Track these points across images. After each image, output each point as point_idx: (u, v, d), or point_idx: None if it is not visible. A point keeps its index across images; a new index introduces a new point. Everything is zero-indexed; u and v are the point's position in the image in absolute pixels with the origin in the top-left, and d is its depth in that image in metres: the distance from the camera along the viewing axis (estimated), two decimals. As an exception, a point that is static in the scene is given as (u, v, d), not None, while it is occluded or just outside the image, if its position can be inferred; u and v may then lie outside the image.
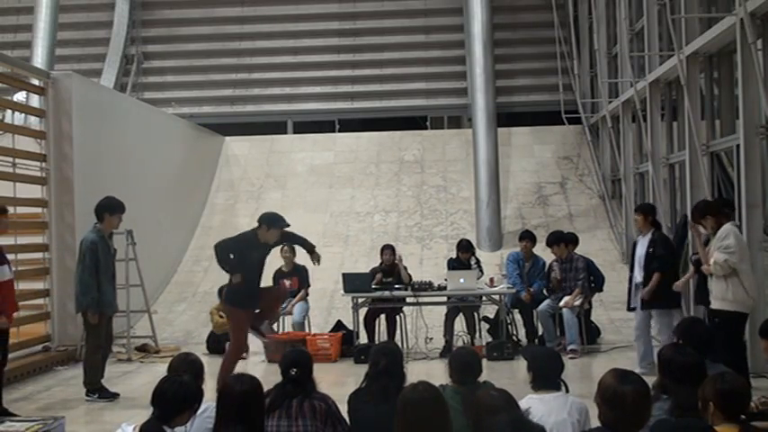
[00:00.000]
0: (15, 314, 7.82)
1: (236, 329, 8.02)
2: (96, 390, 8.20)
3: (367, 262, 12.99)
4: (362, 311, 10.40)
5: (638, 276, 8.85)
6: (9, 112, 12.24)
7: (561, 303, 10.21)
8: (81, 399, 8.21)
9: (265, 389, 4.29)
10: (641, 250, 8.87)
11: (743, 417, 3.61)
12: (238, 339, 8.02)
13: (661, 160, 11.92)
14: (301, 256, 9.41)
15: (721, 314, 7.52)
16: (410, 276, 10.69)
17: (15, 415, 7.13)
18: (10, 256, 7.80)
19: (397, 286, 10.40)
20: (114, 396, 8.21)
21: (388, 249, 10.96)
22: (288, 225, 8.06)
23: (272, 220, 7.96)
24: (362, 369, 5.09)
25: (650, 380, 3.87)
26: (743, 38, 8.37)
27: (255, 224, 7.99)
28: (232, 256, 7.89)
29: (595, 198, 15.60)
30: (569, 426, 4.23)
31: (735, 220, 8.12)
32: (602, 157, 16.08)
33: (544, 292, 10.65)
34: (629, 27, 13.40)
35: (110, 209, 8.40)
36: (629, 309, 9.22)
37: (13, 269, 7.83)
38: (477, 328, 10.67)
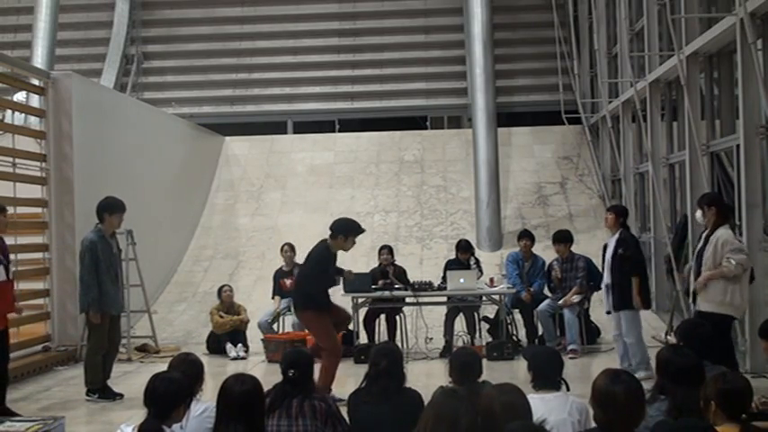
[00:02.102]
0: (15, 315, 7.83)
1: (325, 333, 7.99)
2: (97, 390, 8.20)
3: (367, 262, 12.98)
4: (362, 311, 10.40)
5: (607, 278, 8.72)
6: (9, 112, 12.24)
7: (560, 302, 10.22)
8: (81, 399, 8.21)
9: (265, 389, 4.29)
10: (610, 251, 8.74)
11: (744, 416, 3.61)
12: (331, 341, 7.98)
13: (661, 160, 11.92)
14: (302, 256, 9.38)
15: (712, 317, 7.37)
16: (402, 270, 10.77)
17: (18, 414, 7.12)
18: (10, 256, 7.79)
19: (396, 286, 10.41)
20: (118, 396, 8.20)
21: (384, 250, 10.98)
22: (364, 230, 8.19)
23: (349, 228, 8.03)
24: (362, 369, 5.09)
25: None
26: (743, 38, 8.37)
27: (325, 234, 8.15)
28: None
29: (595, 198, 15.60)
30: (569, 425, 4.24)
31: (733, 224, 8.06)
32: (602, 157, 16.07)
33: (546, 291, 10.66)
34: (629, 27, 13.39)
35: (109, 209, 8.40)
36: (608, 312, 9.17)
37: (13, 269, 7.81)
38: (477, 328, 10.67)
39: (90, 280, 8.15)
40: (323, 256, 8.01)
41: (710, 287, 7.38)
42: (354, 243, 8.13)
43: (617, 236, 8.71)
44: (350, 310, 10.27)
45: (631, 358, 8.55)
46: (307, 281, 8.10)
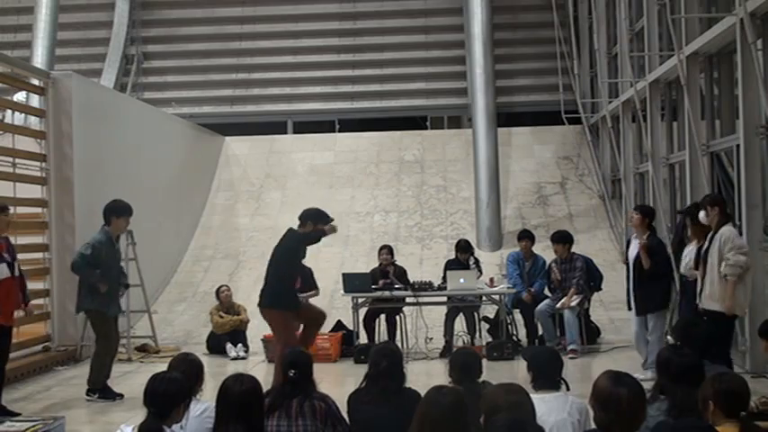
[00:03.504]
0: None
1: (285, 332, 8.10)
2: (97, 390, 8.20)
3: (367, 262, 12.99)
4: (362, 311, 10.40)
5: (631, 282, 8.76)
6: (9, 112, 12.25)
7: (558, 306, 10.21)
8: (81, 399, 8.21)
9: (265, 389, 4.29)
10: (634, 252, 8.74)
11: (743, 414, 3.61)
12: (290, 337, 8.04)
13: (661, 160, 11.92)
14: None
15: (714, 315, 7.43)
16: (402, 270, 10.80)
17: (16, 414, 7.13)
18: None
19: (397, 286, 10.40)
20: (118, 397, 8.20)
21: (385, 250, 10.97)
22: (332, 219, 8.37)
23: (318, 217, 8.26)
24: (362, 369, 5.09)
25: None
26: (743, 38, 8.37)
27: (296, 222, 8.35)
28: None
29: (595, 198, 15.60)
30: (569, 425, 4.23)
31: (733, 224, 8.10)
32: (602, 157, 16.08)
33: (546, 291, 10.66)
34: (629, 27, 13.39)
35: (116, 212, 8.47)
36: (630, 308, 9.18)
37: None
38: (477, 328, 10.67)
39: (90, 278, 8.18)
40: (297, 242, 8.20)
41: (717, 286, 7.43)
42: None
43: (644, 240, 8.70)
44: (350, 310, 10.31)
45: (648, 355, 8.56)
46: (276, 277, 8.23)
